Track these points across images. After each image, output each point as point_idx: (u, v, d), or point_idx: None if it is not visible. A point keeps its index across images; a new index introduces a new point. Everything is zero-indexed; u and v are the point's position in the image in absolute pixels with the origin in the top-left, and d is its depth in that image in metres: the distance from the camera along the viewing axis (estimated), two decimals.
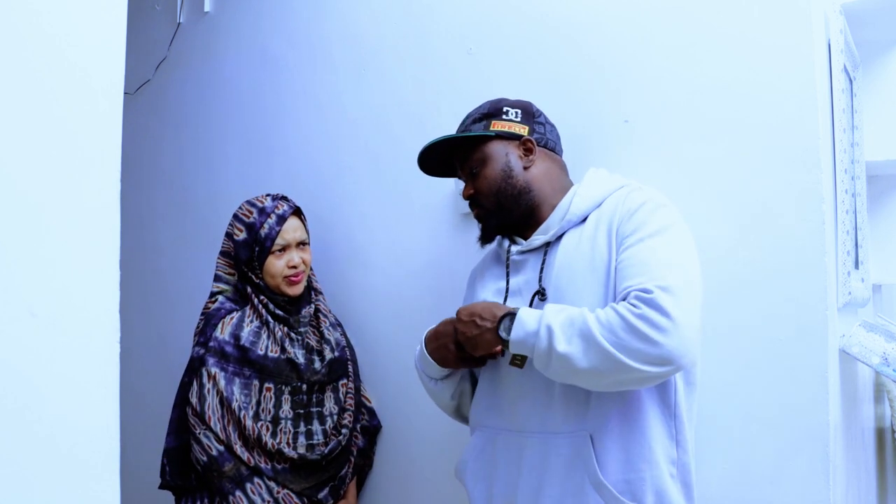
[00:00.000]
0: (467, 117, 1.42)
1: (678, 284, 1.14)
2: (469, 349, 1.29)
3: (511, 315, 1.22)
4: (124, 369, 0.79)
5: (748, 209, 1.40)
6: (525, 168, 1.35)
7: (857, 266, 1.74)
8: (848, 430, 1.57)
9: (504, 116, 1.37)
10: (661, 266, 1.16)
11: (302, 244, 1.76)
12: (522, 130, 1.37)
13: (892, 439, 2.16)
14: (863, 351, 1.52)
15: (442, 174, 1.49)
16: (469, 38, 1.77)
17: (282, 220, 1.72)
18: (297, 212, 1.78)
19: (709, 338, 1.36)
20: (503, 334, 1.22)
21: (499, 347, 1.26)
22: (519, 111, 1.39)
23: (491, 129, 1.36)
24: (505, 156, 1.35)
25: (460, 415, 1.49)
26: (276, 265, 1.71)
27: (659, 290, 1.12)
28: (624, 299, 1.16)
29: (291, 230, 1.73)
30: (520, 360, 1.25)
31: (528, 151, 1.36)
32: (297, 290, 1.74)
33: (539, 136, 1.38)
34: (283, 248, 1.72)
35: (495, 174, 1.34)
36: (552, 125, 1.43)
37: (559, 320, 1.16)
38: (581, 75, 1.60)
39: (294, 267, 1.72)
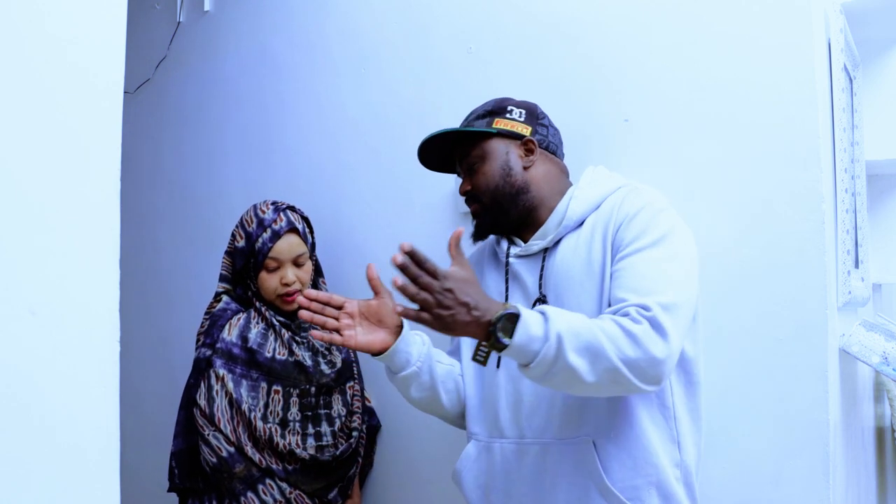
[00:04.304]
0: (471, 113, 1.41)
1: (676, 302, 1.12)
2: (440, 329, 1.11)
3: (510, 315, 1.08)
4: (124, 368, 0.79)
5: (748, 209, 1.40)
6: (525, 168, 1.34)
7: (856, 265, 1.74)
8: (848, 430, 1.57)
9: (508, 115, 1.36)
10: (660, 281, 1.14)
11: (299, 260, 1.71)
12: (525, 130, 1.35)
13: (892, 439, 2.16)
14: (863, 350, 1.52)
15: (442, 169, 1.47)
16: (469, 38, 1.77)
17: (276, 236, 1.67)
18: (296, 229, 1.70)
19: (709, 337, 1.36)
20: (501, 335, 1.07)
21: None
22: (523, 111, 1.37)
23: (493, 126, 1.35)
24: (505, 154, 1.34)
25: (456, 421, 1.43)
26: (269, 281, 1.67)
27: (659, 307, 1.10)
28: (620, 313, 1.11)
29: (286, 248, 1.68)
30: (484, 357, 1.14)
31: (528, 152, 1.35)
32: (292, 307, 1.69)
33: (541, 137, 1.37)
34: (276, 265, 1.68)
35: (494, 171, 1.33)
36: (556, 129, 1.42)
37: (567, 325, 1.08)
38: (581, 74, 1.60)
39: (287, 285, 1.68)
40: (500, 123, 1.35)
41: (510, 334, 1.07)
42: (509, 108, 1.37)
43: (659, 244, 1.18)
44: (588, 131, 1.57)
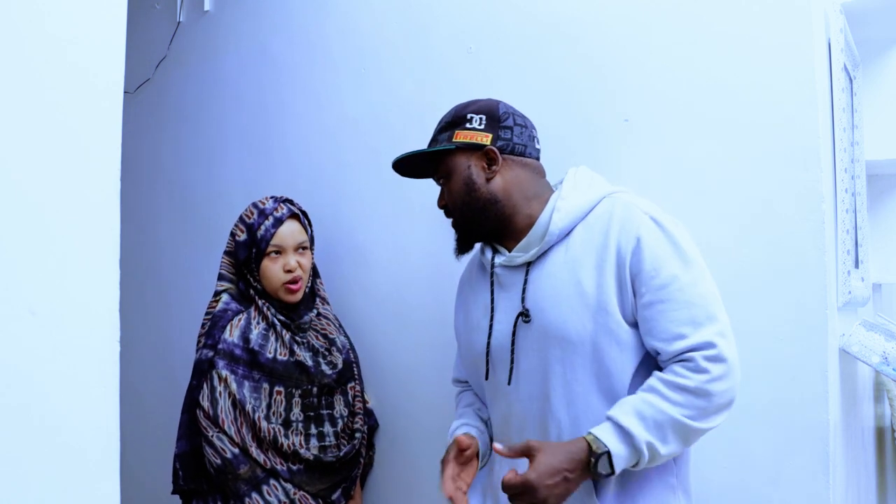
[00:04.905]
0: (438, 123, 1.38)
1: (726, 322, 1.18)
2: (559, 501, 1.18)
3: (595, 453, 1.13)
4: (124, 368, 0.79)
5: (748, 209, 1.40)
6: (488, 180, 1.30)
7: (856, 265, 1.74)
8: (848, 430, 1.57)
9: (467, 125, 1.32)
10: (707, 306, 1.17)
11: (301, 248, 1.72)
12: (485, 139, 1.31)
13: (892, 438, 2.16)
14: (863, 350, 1.52)
15: (422, 177, 1.46)
16: (469, 38, 1.77)
17: (278, 222, 1.69)
18: (298, 216, 1.74)
19: None
20: (603, 471, 1.14)
21: None
22: (483, 117, 1.32)
23: (453, 139, 1.32)
24: (467, 168, 1.31)
25: None
26: (272, 269, 1.68)
27: (720, 337, 1.15)
28: (681, 361, 1.16)
29: (288, 233, 1.70)
30: (606, 473, 1.17)
31: (490, 162, 1.30)
32: (295, 297, 1.71)
33: (504, 142, 1.31)
34: (279, 252, 1.69)
35: (459, 188, 1.32)
36: (523, 126, 1.35)
37: (644, 427, 1.13)
38: (581, 74, 1.60)
39: (290, 271, 1.69)
40: (459, 136, 1.32)
41: (611, 467, 1.13)
42: (468, 116, 1.33)
43: (688, 265, 1.19)
44: (588, 131, 1.57)
